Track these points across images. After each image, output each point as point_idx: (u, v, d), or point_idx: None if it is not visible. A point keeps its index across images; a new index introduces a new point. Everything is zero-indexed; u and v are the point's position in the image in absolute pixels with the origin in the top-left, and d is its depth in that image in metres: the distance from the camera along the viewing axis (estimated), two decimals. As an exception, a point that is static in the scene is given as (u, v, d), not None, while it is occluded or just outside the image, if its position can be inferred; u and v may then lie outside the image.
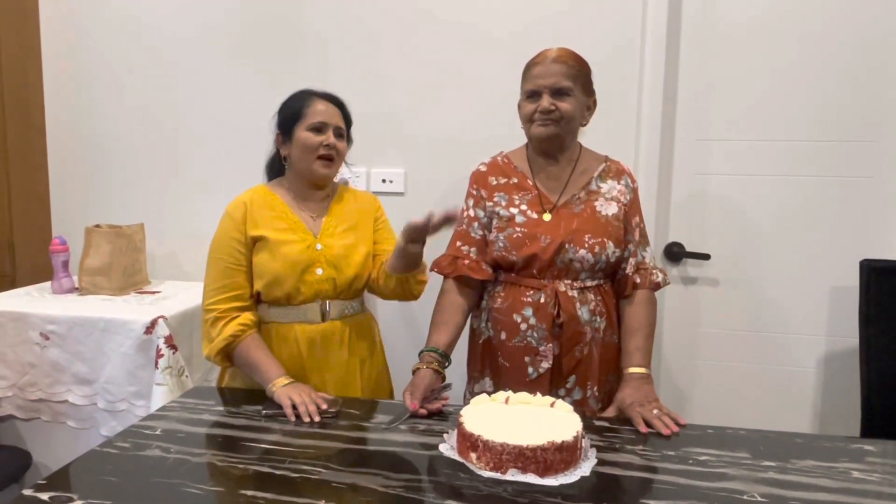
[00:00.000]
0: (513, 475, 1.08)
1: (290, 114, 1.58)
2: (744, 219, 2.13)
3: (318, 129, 1.55)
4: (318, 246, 1.56)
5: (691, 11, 2.09)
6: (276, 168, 1.68)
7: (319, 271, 1.55)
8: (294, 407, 1.37)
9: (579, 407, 1.49)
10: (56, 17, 2.49)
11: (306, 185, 1.61)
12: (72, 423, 2.00)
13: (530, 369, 1.51)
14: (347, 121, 1.63)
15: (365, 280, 1.63)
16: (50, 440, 2.04)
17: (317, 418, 1.35)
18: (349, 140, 1.65)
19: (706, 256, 2.15)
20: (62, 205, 2.59)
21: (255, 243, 1.55)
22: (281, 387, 1.43)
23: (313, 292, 1.55)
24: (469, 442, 1.13)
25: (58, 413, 2.00)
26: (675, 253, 2.17)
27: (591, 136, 1.64)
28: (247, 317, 1.54)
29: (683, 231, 2.18)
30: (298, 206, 1.61)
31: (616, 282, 1.59)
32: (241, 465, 1.14)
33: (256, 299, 1.59)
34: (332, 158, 1.56)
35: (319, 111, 1.56)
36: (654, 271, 1.58)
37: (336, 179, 1.70)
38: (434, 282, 1.64)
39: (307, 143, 1.54)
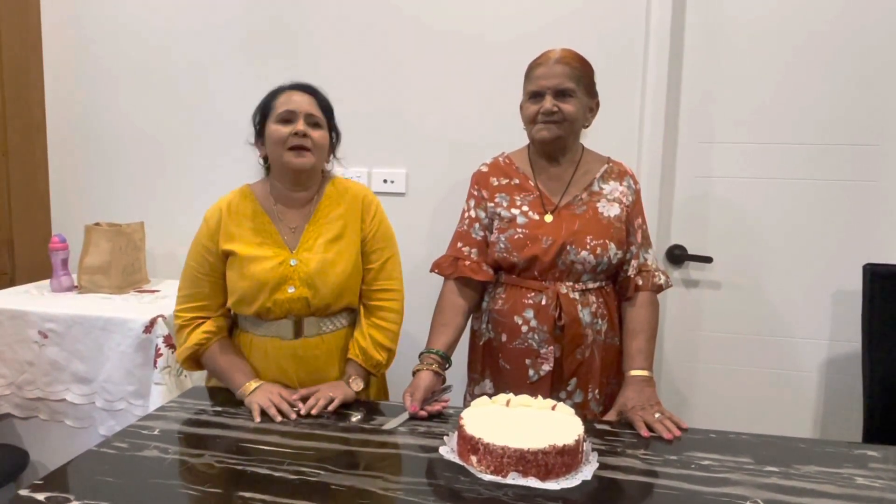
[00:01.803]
0: (513, 479, 1.07)
1: (261, 111, 1.50)
2: (746, 222, 2.12)
3: (286, 119, 1.45)
4: (293, 262, 1.46)
5: (695, 14, 2.08)
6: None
7: (291, 289, 1.45)
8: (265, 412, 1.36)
9: (580, 410, 1.48)
10: (57, 16, 2.48)
11: (287, 185, 1.50)
12: (70, 422, 1.99)
13: (531, 371, 1.50)
14: (325, 109, 1.51)
15: (348, 295, 1.51)
16: (48, 439, 2.03)
17: (292, 416, 1.35)
18: (335, 132, 1.55)
19: (708, 259, 2.14)
20: (62, 203, 2.58)
21: (227, 257, 1.49)
22: (249, 394, 1.41)
23: (284, 310, 1.47)
24: (469, 445, 1.12)
25: (56, 412, 2.00)
26: (677, 256, 2.16)
27: (594, 138, 1.63)
28: (211, 324, 1.51)
29: (685, 234, 2.17)
30: (279, 214, 1.51)
31: (618, 284, 1.58)
32: (239, 467, 1.13)
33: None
34: (305, 147, 1.44)
35: (287, 100, 1.46)
36: (656, 273, 1.57)
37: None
38: (434, 283, 1.63)
39: (275, 135, 1.44)
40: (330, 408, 1.38)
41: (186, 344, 1.50)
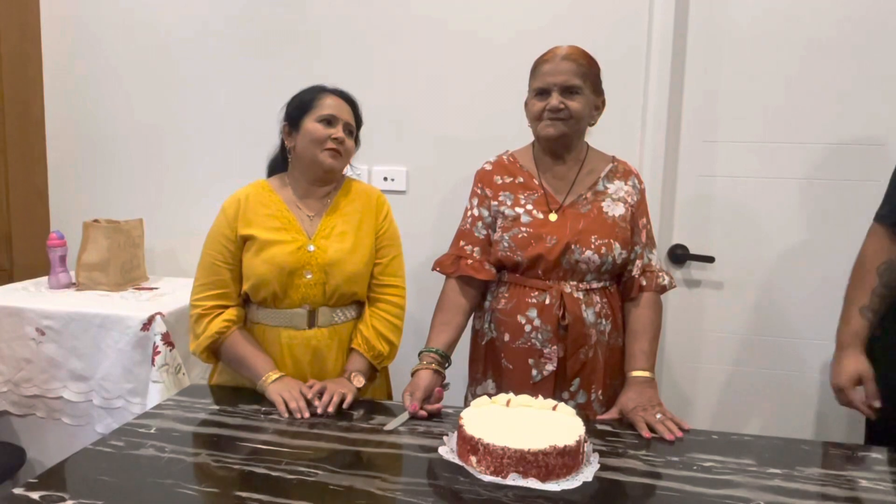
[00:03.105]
0: (514, 479, 1.06)
1: (300, 105, 1.53)
2: (749, 221, 2.11)
3: (328, 121, 1.50)
4: (311, 247, 1.50)
5: (698, 13, 2.07)
6: (279, 165, 1.63)
7: (308, 275, 1.48)
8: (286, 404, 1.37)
9: (583, 411, 1.47)
10: (57, 12, 2.47)
11: (310, 180, 1.55)
12: (67, 420, 1.98)
13: (534, 372, 1.49)
14: (358, 120, 1.58)
15: (361, 285, 1.56)
16: (45, 437, 2.02)
17: (306, 414, 1.35)
18: (357, 141, 1.61)
19: (710, 259, 2.13)
20: (60, 199, 2.57)
21: (245, 242, 1.51)
22: (271, 383, 1.42)
23: (300, 297, 1.49)
24: (469, 445, 1.11)
25: (53, 409, 1.98)
26: (679, 255, 2.15)
27: (597, 137, 1.62)
28: (231, 313, 1.52)
29: (688, 233, 2.16)
30: (297, 204, 1.55)
31: (622, 284, 1.57)
32: (236, 466, 1.12)
33: (246, 298, 1.56)
34: (339, 152, 1.51)
35: (330, 104, 1.51)
36: (660, 274, 1.56)
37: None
38: (436, 281, 1.61)
39: (314, 134, 1.49)
40: (344, 405, 1.39)
41: (207, 332, 1.50)
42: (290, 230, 1.51)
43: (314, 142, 1.49)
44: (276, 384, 1.42)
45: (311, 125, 1.50)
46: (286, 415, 1.35)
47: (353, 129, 1.56)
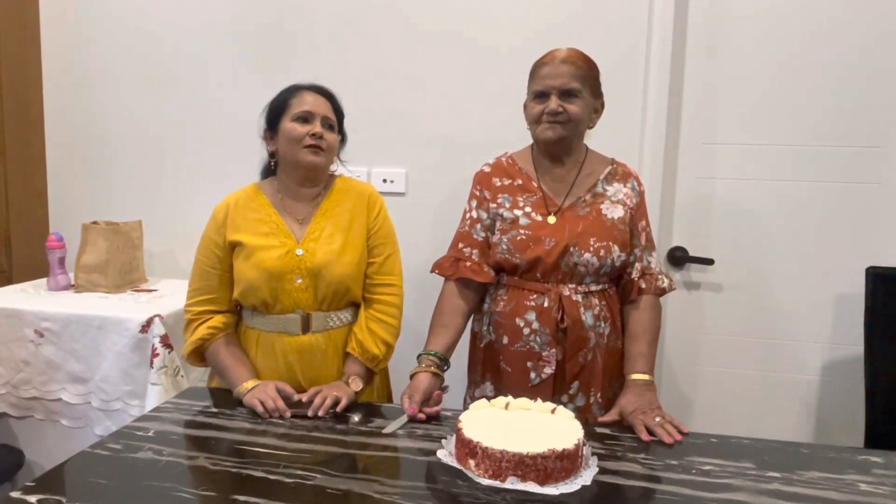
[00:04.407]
0: (512, 483, 1.06)
1: (276, 107, 1.52)
2: (748, 224, 2.11)
3: (304, 118, 1.48)
4: (299, 251, 1.47)
5: (697, 14, 2.07)
6: (269, 172, 1.61)
7: (299, 280, 1.47)
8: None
9: (582, 413, 1.47)
10: (56, 13, 2.47)
11: (297, 181, 1.52)
12: (66, 422, 1.97)
13: (533, 375, 1.48)
14: (338, 113, 1.55)
15: (353, 287, 1.53)
16: (43, 439, 2.02)
17: (286, 414, 1.35)
18: (343, 135, 1.58)
19: (710, 261, 2.13)
20: (59, 201, 2.57)
21: (233, 248, 1.50)
22: (247, 392, 1.41)
23: (291, 302, 1.48)
24: (468, 448, 1.10)
25: (52, 411, 1.98)
26: (678, 257, 2.15)
27: (596, 139, 1.62)
28: (218, 319, 1.52)
29: (687, 235, 2.16)
30: (286, 208, 1.53)
31: (621, 286, 1.56)
32: (234, 469, 1.12)
33: (241, 304, 1.55)
34: (320, 148, 1.48)
35: (305, 101, 1.49)
36: (659, 276, 1.55)
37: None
38: (434, 283, 1.61)
39: (292, 133, 1.47)
40: (338, 409, 1.38)
41: (192, 338, 1.51)
42: (277, 235, 1.50)
43: (292, 141, 1.47)
44: (253, 392, 1.41)
45: (287, 125, 1.48)
46: (267, 416, 1.35)
47: (334, 122, 1.53)
